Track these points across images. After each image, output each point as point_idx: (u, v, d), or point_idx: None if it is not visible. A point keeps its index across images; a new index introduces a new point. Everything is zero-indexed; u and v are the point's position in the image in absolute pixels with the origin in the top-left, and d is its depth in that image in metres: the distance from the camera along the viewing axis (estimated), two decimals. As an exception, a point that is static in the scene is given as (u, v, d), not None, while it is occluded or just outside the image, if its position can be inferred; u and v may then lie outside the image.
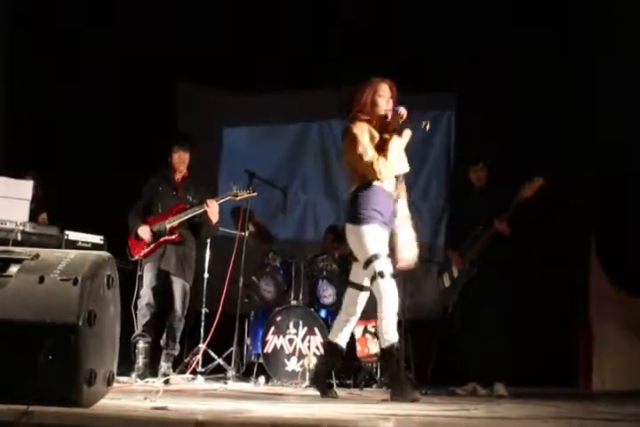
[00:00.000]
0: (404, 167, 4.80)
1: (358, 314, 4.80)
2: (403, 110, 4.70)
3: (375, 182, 4.66)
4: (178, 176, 6.61)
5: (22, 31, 8.26)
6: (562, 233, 7.32)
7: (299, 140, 9.74)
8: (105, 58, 8.64)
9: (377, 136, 4.73)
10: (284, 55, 8.81)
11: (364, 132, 4.70)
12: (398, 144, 4.72)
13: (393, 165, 4.68)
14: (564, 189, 6.64)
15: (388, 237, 4.71)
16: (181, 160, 6.59)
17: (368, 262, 4.57)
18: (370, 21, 8.40)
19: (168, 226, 6.34)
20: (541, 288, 7.36)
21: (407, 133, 4.77)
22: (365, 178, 4.67)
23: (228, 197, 6.49)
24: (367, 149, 4.65)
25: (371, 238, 4.62)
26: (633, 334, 7.17)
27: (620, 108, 7.10)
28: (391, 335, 4.51)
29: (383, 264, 4.55)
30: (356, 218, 4.67)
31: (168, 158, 6.61)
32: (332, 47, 8.77)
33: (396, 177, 4.78)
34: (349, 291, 4.77)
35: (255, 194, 6.58)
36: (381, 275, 4.53)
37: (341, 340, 4.78)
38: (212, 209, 6.33)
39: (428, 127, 4.87)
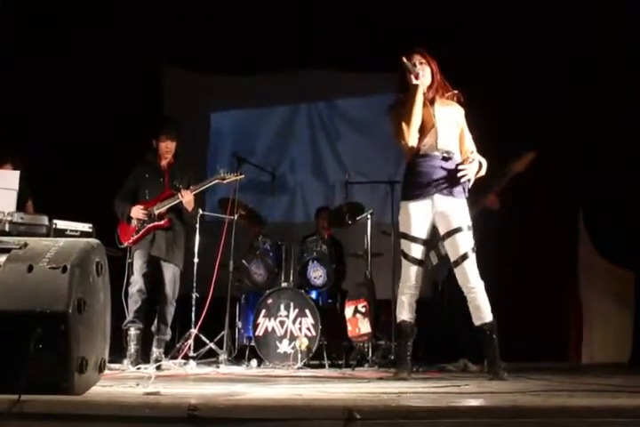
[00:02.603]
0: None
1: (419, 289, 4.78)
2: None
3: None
4: (164, 162, 6.61)
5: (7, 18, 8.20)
6: (549, 206, 7.36)
7: (286, 122, 9.75)
8: (90, 41, 8.58)
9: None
10: (271, 37, 8.78)
11: None
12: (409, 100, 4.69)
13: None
14: (552, 162, 6.65)
15: None
16: (168, 149, 6.58)
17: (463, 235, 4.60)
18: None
19: (156, 212, 6.34)
20: (530, 262, 7.42)
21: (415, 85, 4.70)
22: None
23: (216, 181, 6.48)
24: None
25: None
26: (621, 306, 7.21)
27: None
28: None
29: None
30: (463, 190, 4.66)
31: (154, 144, 6.60)
32: (320, 28, 8.75)
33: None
34: (413, 268, 4.72)
35: (242, 176, 6.58)
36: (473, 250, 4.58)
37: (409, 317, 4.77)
38: (187, 199, 6.34)
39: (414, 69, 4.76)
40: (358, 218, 7.08)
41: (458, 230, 4.57)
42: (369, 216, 6.97)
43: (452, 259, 4.59)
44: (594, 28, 7.40)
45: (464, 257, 4.53)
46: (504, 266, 6.67)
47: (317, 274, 6.78)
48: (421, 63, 4.73)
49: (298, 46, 8.83)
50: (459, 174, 4.59)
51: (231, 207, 6.72)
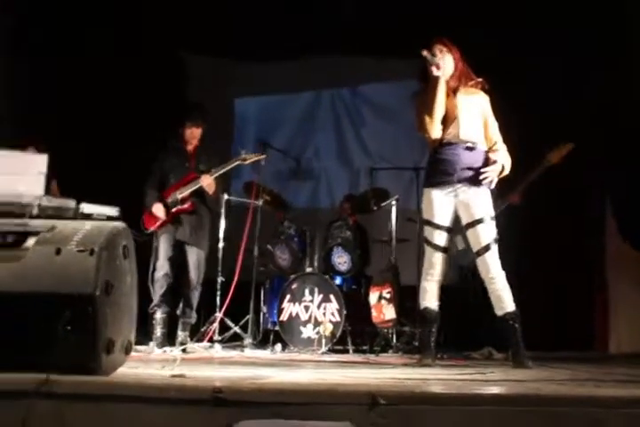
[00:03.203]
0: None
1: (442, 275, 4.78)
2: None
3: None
4: (190, 147, 6.64)
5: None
6: (577, 194, 7.30)
7: (311, 108, 9.74)
8: (114, 29, 8.59)
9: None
10: (296, 23, 8.75)
11: None
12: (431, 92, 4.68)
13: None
14: (579, 150, 6.61)
15: None
16: (193, 135, 6.62)
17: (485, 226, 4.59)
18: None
19: (179, 196, 6.37)
20: (557, 250, 7.37)
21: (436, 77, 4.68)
22: None
23: (237, 162, 6.50)
24: None
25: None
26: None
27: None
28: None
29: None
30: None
31: (180, 131, 6.63)
32: (345, 14, 8.70)
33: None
34: (437, 255, 4.71)
35: (264, 156, 6.60)
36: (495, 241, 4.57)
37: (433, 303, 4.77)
38: (206, 183, 6.37)
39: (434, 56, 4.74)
40: (383, 204, 7.08)
41: (480, 221, 4.56)
42: (394, 202, 6.96)
43: (474, 249, 4.58)
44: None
45: (486, 248, 4.52)
46: (530, 255, 6.64)
47: (342, 260, 6.78)
48: (441, 51, 4.70)
49: (324, 32, 8.77)
50: (480, 177, 4.58)
51: (256, 192, 6.73)
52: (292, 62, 9.24)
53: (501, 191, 4.84)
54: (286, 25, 8.73)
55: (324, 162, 9.55)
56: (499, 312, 4.53)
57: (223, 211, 6.76)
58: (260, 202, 6.74)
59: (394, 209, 6.94)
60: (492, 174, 4.60)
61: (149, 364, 3.79)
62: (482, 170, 4.59)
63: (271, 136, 8.00)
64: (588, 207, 7.45)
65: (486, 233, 4.54)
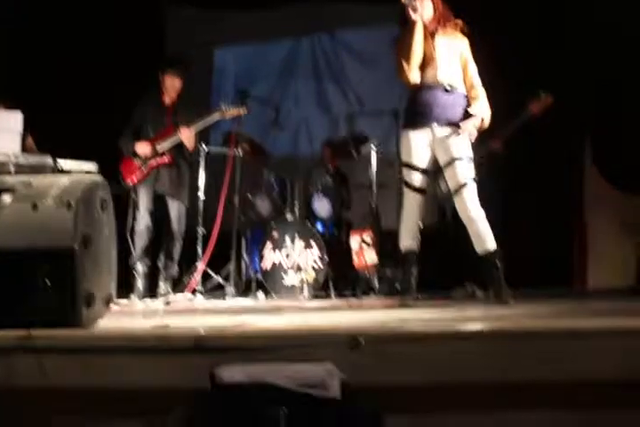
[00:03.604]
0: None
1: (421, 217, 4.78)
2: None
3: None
4: (167, 100, 6.57)
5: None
6: (556, 132, 7.29)
7: (290, 56, 9.62)
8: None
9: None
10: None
11: None
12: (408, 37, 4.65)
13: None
14: (559, 90, 6.59)
15: None
16: (173, 85, 6.54)
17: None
18: None
19: (159, 149, 6.34)
20: (536, 188, 7.40)
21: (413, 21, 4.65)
22: None
23: (217, 117, 6.46)
24: None
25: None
26: (628, 231, 7.22)
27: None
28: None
29: None
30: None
31: (160, 81, 6.56)
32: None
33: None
34: (415, 196, 4.73)
35: (244, 109, 6.54)
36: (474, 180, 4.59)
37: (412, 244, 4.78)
38: (185, 136, 6.32)
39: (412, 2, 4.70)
40: (363, 149, 7.06)
41: (457, 159, 4.56)
42: (373, 147, 6.94)
43: (452, 188, 4.59)
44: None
45: (463, 186, 4.53)
46: (508, 193, 6.65)
47: (322, 206, 6.78)
48: None
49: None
50: (460, 131, 4.57)
51: (235, 142, 6.69)
52: (271, 10, 9.12)
53: (482, 138, 4.82)
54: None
55: (303, 110, 9.48)
56: (479, 250, 4.55)
57: (202, 162, 6.72)
58: (240, 152, 6.69)
59: (373, 154, 6.92)
60: (470, 128, 4.60)
61: (132, 316, 3.81)
62: (461, 123, 4.58)
63: (250, 86, 7.91)
64: (566, 148, 7.45)
65: (463, 171, 4.54)
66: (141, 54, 8.24)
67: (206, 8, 9.24)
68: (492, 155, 5.97)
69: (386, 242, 6.63)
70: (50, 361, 2.35)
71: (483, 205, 4.57)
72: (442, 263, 6.19)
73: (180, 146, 6.42)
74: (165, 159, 6.36)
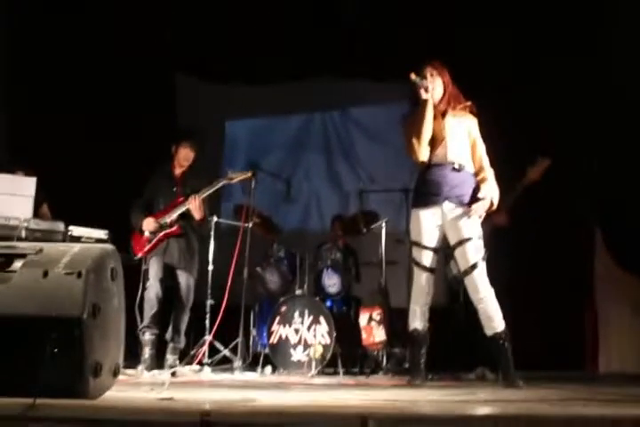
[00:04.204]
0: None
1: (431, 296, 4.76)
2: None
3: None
4: (178, 171, 6.64)
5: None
6: (565, 215, 7.31)
7: (301, 131, 9.75)
8: (104, 50, 8.62)
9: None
10: (285, 46, 8.80)
11: None
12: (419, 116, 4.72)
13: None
14: (567, 171, 6.62)
15: None
16: (187, 157, 6.61)
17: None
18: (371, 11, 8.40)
19: (168, 220, 6.36)
20: (546, 271, 7.37)
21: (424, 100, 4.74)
22: None
23: (223, 182, 6.49)
24: None
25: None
26: (639, 315, 7.16)
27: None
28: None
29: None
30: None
31: (172, 152, 6.63)
32: (334, 37, 8.75)
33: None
34: (425, 276, 4.72)
35: (250, 174, 6.57)
36: (483, 259, 4.58)
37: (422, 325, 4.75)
38: (194, 206, 6.35)
39: (423, 79, 4.78)
40: (373, 226, 7.08)
41: (467, 240, 4.58)
42: (383, 224, 6.96)
43: (462, 269, 4.60)
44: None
45: (474, 267, 4.54)
46: (519, 276, 6.63)
47: (332, 282, 6.76)
48: (432, 75, 4.76)
49: (312, 56, 8.82)
50: (470, 213, 4.61)
51: (246, 214, 6.71)
52: (283, 85, 9.26)
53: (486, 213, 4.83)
54: (278, 48, 8.78)
55: (314, 184, 9.56)
56: (488, 332, 4.52)
57: (212, 233, 6.74)
58: (250, 224, 6.71)
59: (383, 231, 6.94)
60: (480, 211, 4.63)
61: (138, 387, 3.77)
62: (472, 206, 4.62)
63: (261, 159, 7.98)
64: (576, 228, 7.45)
65: (474, 252, 4.56)
66: (155, 125, 8.36)
67: (218, 81, 9.39)
68: (498, 230, 5.96)
69: (395, 320, 6.59)
70: (54, 432, 2.32)
71: (490, 284, 4.55)
72: (452, 345, 6.13)
73: (189, 218, 6.45)
74: (175, 230, 6.38)
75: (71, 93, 8.49)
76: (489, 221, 5.77)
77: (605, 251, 7.42)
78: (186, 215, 6.43)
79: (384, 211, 7.49)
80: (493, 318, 4.51)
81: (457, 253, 4.64)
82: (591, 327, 7.37)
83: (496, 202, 4.71)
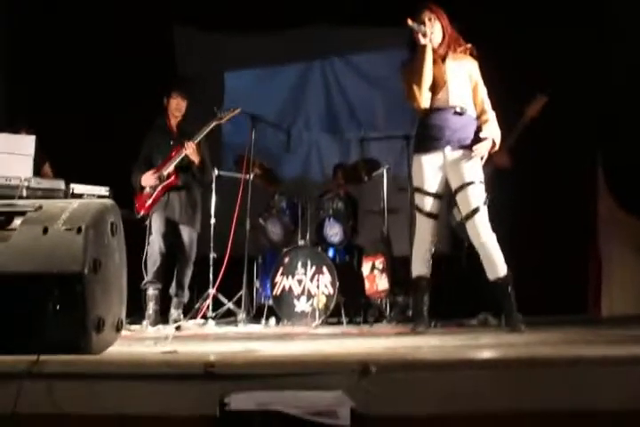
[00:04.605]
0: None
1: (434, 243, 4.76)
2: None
3: None
4: (173, 122, 6.61)
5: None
6: (567, 158, 7.28)
7: (301, 79, 9.68)
8: (101, 5, 8.53)
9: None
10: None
11: None
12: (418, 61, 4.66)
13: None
14: (567, 111, 6.57)
15: None
16: (178, 107, 6.58)
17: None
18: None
19: (165, 173, 6.35)
20: (548, 216, 7.37)
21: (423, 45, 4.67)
22: None
23: (215, 122, 6.46)
24: None
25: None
26: (641, 258, 7.16)
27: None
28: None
29: None
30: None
31: (164, 105, 6.59)
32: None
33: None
34: (428, 222, 4.71)
35: (239, 110, 6.55)
36: (485, 203, 4.58)
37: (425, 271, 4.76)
38: (190, 150, 6.34)
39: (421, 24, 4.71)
40: (374, 174, 7.06)
41: (469, 184, 4.56)
42: (385, 172, 6.94)
43: (464, 213, 4.59)
44: None
45: (475, 211, 4.52)
46: (520, 219, 6.61)
47: (334, 231, 6.76)
48: (430, 19, 4.69)
49: (313, 2, 8.71)
50: (472, 154, 4.58)
51: (247, 166, 6.69)
52: (281, 33, 9.16)
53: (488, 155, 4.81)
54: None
55: (314, 133, 9.52)
56: (491, 277, 4.53)
57: (214, 186, 6.74)
58: (251, 176, 6.69)
59: (385, 179, 6.92)
60: (482, 151, 4.60)
61: (142, 342, 3.79)
62: (473, 147, 4.58)
63: (262, 109, 7.91)
64: (579, 171, 7.42)
65: (475, 196, 4.54)
66: (154, 78, 8.28)
67: (216, 31, 9.30)
68: (500, 172, 5.94)
69: (398, 268, 6.61)
70: (59, 387, 2.34)
71: (492, 227, 4.55)
72: (455, 291, 6.16)
73: (189, 169, 6.44)
74: (172, 180, 6.37)
75: (71, 51, 8.42)
76: (491, 162, 5.77)
77: (608, 193, 7.40)
78: (186, 168, 6.43)
79: (385, 158, 7.46)
80: (496, 262, 4.51)
81: (458, 197, 4.63)
82: (594, 270, 7.38)
83: (498, 143, 4.68)
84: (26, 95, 7.92)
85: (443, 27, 4.71)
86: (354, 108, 9.43)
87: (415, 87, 4.62)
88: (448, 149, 4.61)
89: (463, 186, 4.57)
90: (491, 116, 4.72)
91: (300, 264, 6.48)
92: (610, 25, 7.29)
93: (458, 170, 4.60)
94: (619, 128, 7.16)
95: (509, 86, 6.71)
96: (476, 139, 4.63)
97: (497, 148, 4.70)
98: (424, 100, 4.63)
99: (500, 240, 4.55)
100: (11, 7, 8.14)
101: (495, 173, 5.79)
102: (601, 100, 7.28)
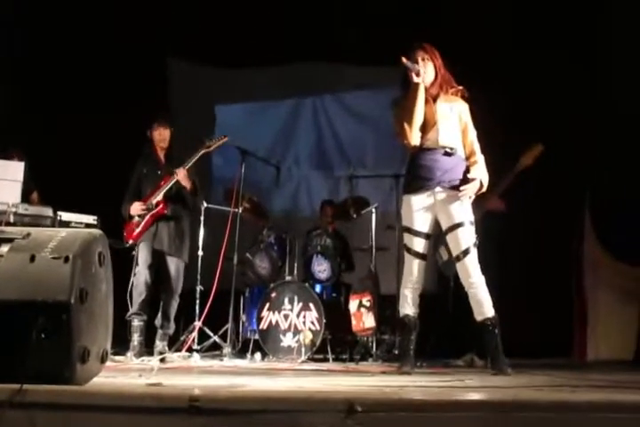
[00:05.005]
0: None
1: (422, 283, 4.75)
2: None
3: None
4: (160, 154, 6.62)
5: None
6: (555, 203, 7.32)
7: (292, 115, 9.75)
8: (98, 34, 8.58)
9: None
10: (276, 30, 8.77)
11: None
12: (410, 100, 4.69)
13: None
14: (558, 157, 6.62)
15: None
16: (162, 137, 6.59)
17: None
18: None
19: (154, 201, 6.34)
20: (534, 258, 7.39)
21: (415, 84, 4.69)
22: None
23: (202, 151, 6.46)
24: None
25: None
26: (627, 303, 7.18)
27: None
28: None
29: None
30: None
31: (149, 135, 6.61)
32: (326, 21, 8.72)
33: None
34: (416, 262, 4.69)
35: (226, 139, 6.55)
36: (475, 245, 4.58)
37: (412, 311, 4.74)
38: (181, 176, 6.34)
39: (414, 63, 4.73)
40: (363, 212, 7.08)
41: (460, 225, 4.57)
42: (373, 210, 6.96)
43: (454, 254, 4.60)
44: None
45: (465, 252, 4.54)
46: (508, 262, 6.64)
47: (322, 268, 6.77)
48: (424, 59, 4.73)
49: (306, 40, 8.79)
50: (459, 194, 4.60)
51: (236, 200, 6.69)
52: (273, 69, 9.25)
53: (478, 198, 4.83)
54: (269, 32, 8.75)
55: (304, 169, 9.57)
56: (478, 317, 4.53)
57: (202, 219, 6.73)
58: (240, 210, 6.70)
59: (373, 217, 6.94)
60: (470, 192, 4.63)
61: (126, 373, 3.76)
62: (461, 188, 4.61)
63: (252, 143, 7.96)
64: (565, 215, 7.46)
65: (466, 237, 4.56)
66: (146, 110, 8.32)
67: (209, 65, 9.36)
68: (491, 215, 5.97)
69: (385, 306, 6.60)
70: (40, 417, 2.31)
71: (482, 270, 4.56)
72: (442, 331, 6.15)
73: (178, 198, 6.43)
74: (161, 209, 6.36)
75: (63, 81, 8.46)
76: (482, 206, 5.80)
77: (594, 237, 7.44)
78: (175, 196, 6.43)
79: (374, 197, 7.48)
80: (483, 303, 4.52)
81: (449, 237, 4.64)
82: (579, 315, 7.39)
83: (485, 185, 4.71)
84: (16, 118, 7.91)
85: (436, 67, 4.75)
86: (344, 145, 9.49)
87: (406, 125, 4.64)
88: (438, 189, 4.63)
89: (453, 227, 4.58)
90: (479, 158, 4.75)
91: (287, 299, 6.47)
92: (602, 77, 7.39)
93: (448, 211, 4.61)
94: (607, 172, 7.21)
95: (504, 131, 6.80)
96: (465, 179, 4.65)
97: (484, 189, 4.72)
98: (414, 138, 4.66)
99: (486, 283, 4.55)
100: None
101: (484, 217, 5.82)
102: (590, 145, 7.34)
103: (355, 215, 7.10)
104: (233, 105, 9.92)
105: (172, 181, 6.35)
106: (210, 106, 9.79)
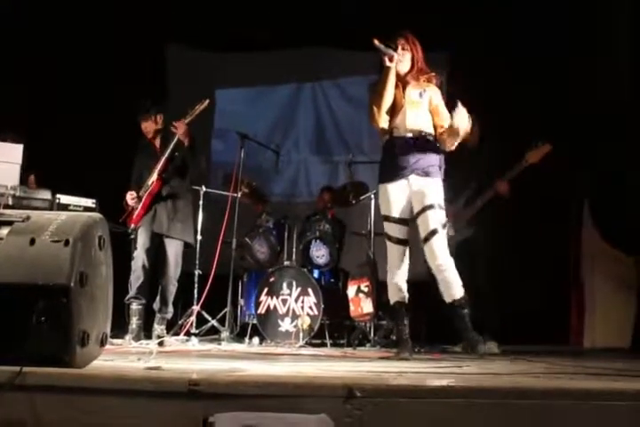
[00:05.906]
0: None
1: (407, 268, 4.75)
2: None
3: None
4: (156, 142, 6.60)
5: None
6: (555, 191, 7.32)
7: (291, 100, 9.73)
8: (98, 18, 8.55)
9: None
10: (277, 15, 8.73)
11: None
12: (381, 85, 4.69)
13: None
14: (559, 145, 6.62)
15: None
16: (148, 130, 6.58)
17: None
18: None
19: (150, 182, 6.33)
20: (533, 246, 7.40)
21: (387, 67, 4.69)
22: None
23: (189, 118, 6.39)
24: None
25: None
26: (624, 291, 7.19)
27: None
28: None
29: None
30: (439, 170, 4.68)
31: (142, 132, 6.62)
32: (328, 6, 8.68)
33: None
34: (398, 248, 4.70)
35: (207, 101, 6.48)
36: (443, 226, 4.58)
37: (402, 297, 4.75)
38: (181, 131, 6.30)
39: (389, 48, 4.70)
40: (362, 198, 7.08)
41: (430, 207, 4.57)
42: (372, 196, 6.95)
43: (422, 235, 4.59)
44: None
45: (433, 232, 4.53)
46: (507, 250, 6.65)
47: (320, 253, 6.78)
48: (404, 48, 4.73)
49: (307, 24, 8.75)
50: (454, 126, 4.54)
51: (235, 184, 6.69)
52: (273, 54, 9.22)
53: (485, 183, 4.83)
54: (269, 17, 8.71)
55: (303, 154, 9.55)
56: (447, 299, 4.55)
57: (201, 203, 6.73)
58: (239, 194, 6.70)
59: (372, 203, 6.93)
60: (459, 122, 4.52)
61: (125, 356, 3.76)
62: (452, 122, 4.53)
63: (251, 128, 7.94)
64: (565, 204, 7.47)
65: (434, 219, 4.55)
66: (145, 95, 8.31)
67: (209, 49, 9.33)
68: (497, 199, 5.99)
69: (383, 292, 6.59)
70: (40, 400, 2.32)
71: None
72: (439, 317, 6.17)
73: (177, 176, 6.40)
74: (155, 187, 6.34)
75: (62, 65, 8.43)
76: (492, 189, 5.84)
77: (593, 224, 7.44)
78: (171, 176, 6.40)
79: (373, 182, 7.46)
80: (452, 285, 4.52)
81: (419, 220, 4.62)
82: (577, 302, 7.42)
83: (467, 127, 4.58)
84: (15, 104, 7.89)
85: (413, 58, 4.75)
86: (343, 131, 9.47)
87: (375, 108, 4.65)
88: (413, 176, 4.63)
89: (424, 209, 4.59)
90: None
91: (285, 284, 6.48)
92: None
93: (420, 195, 4.62)
94: (609, 165, 7.22)
95: (511, 125, 6.80)
96: (439, 165, 4.66)
97: (467, 132, 4.64)
98: (382, 120, 4.67)
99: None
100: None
101: (492, 202, 5.84)
102: (591, 136, 7.34)
103: (353, 201, 7.11)
104: (232, 90, 9.89)
105: (174, 140, 6.31)
106: (209, 91, 9.75)
